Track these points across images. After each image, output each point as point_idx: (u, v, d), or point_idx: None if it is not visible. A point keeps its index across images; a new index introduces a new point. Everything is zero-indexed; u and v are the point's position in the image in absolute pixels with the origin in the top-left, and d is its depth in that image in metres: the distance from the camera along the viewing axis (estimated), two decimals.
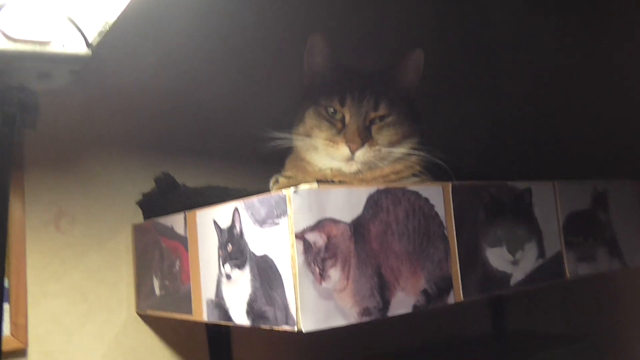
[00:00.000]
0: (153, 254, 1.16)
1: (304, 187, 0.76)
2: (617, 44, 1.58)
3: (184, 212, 1.02)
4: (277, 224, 0.77)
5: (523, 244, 1.01)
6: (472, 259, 0.93)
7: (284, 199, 0.76)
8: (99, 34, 0.81)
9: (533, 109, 1.76)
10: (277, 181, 0.88)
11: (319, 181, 0.83)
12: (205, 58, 1.39)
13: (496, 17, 1.85)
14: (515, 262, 0.99)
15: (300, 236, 0.75)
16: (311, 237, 0.75)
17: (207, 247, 0.95)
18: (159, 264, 1.12)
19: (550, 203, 1.08)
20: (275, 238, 0.77)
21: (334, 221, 0.78)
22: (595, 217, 1.17)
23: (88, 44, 0.79)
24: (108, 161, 1.26)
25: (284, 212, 0.76)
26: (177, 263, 1.05)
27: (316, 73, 1.05)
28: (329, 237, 0.77)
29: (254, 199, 0.82)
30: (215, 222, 0.92)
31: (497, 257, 0.97)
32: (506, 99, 1.84)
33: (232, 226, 0.87)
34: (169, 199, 1.17)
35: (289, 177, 0.89)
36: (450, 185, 0.92)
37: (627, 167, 1.51)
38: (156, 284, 1.13)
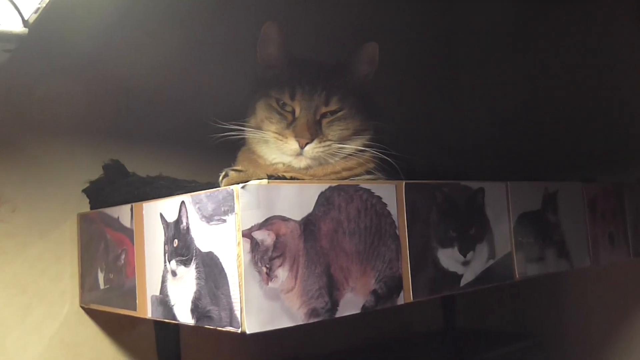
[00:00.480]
0: (98, 245, 1.11)
1: (253, 183, 0.74)
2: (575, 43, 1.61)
3: (131, 204, 0.99)
4: (224, 220, 0.74)
5: (474, 245, 1.01)
6: (423, 259, 0.93)
7: (231, 195, 0.73)
8: (36, 11, 0.76)
9: (492, 109, 1.77)
10: (226, 175, 0.86)
11: (270, 176, 0.81)
12: (157, 40, 1.34)
13: (460, 15, 1.85)
14: (466, 263, 0.99)
15: (247, 234, 0.72)
16: (259, 235, 0.73)
17: (153, 241, 0.92)
18: (104, 256, 1.08)
19: (502, 203, 1.09)
20: (221, 235, 0.75)
21: (284, 219, 0.76)
22: (545, 219, 1.18)
23: (24, 22, 0.74)
24: (53, 146, 1.21)
25: (231, 209, 0.73)
26: (123, 256, 1.01)
27: (268, 63, 1.02)
28: (277, 235, 0.75)
29: (202, 194, 0.79)
30: (161, 216, 0.89)
31: (448, 258, 0.97)
32: (467, 99, 1.85)
33: (179, 221, 0.84)
34: (117, 188, 1.12)
35: (239, 171, 0.86)
36: (403, 183, 0.92)
37: (578, 170, 1.54)
38: (101, 277, 1.09)
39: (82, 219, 1.19)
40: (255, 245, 0.73)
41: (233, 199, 0.73)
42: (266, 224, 0.74)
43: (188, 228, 0.82)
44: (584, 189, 1.29)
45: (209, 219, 0.78)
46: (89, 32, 1.25)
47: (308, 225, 0.79)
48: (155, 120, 1.34)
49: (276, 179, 0.80)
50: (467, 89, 1.84)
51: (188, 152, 1.38)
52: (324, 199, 0.81)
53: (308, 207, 0.79)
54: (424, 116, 1.75)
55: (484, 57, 1.80)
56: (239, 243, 0.72)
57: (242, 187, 0.73)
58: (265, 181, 0.75)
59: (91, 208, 1.20)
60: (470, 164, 1.72)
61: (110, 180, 1.18)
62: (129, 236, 0.99)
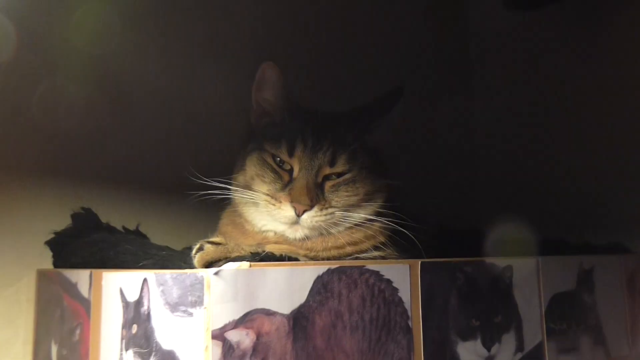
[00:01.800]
0: (54, 311, 0.95)
1: (229, 267, 0.58)
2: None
3: (91, 270, 0.82)
4: (190, 314, 0.58)
5: (500, 335, 0.84)
6: (440, 356, 0.75)
7: (200, 282, 0.57)
8: None
9: (513, 153, 1.60)
10: (201, 248, 0.69)
11: (254, 255, 0.64)
12: (138, 75, 1.19)
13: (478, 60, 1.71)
14: (490, 359, 0.82)
15: (219, 335, 0.56)
16: (234, 335, 0.57)
17: (111, 321, 0.75)
18: (59, 327, 0.91)
19: (532, 283, 0.92)
20: (186, 333, 0.58)
21: (268, 313, 0.60)
22: (581, 300, 1.01)
23: None
24: (13, 190, 1.05)
25: (199, 301, 0.57)
26: (78, 331, 0.84)
27: (265, 111, 0.86)
28: (259, 335, 0.58)
29: (167, 274, 0.63)
30: (121, 292, 0.72)
31: (469, 353, 0.80)
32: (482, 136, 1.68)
33: (140, 302, 0.68)
34: (82, 244, 0.96)
35: (217, 244, 0.69)
36: (419, 263, 0.75)
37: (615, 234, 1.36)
38: (54, 350, 0.92)
39: (42, 277, 1.02)
40: (229, 349, 0.56)
41: (202, 288, 0.57)
42: (245, 320, 0.58)
43: (149, 314, 0.66)
44: (622, 262, 1.12)
45: (173, 307, 0.61)
46: (60, 64, 1.11)
47: (299, 319, 0.62)
48: (134, 162, 1.18)
49: (261, 258, 0.64)
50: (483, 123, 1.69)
51: (171, 199, 1.22)
52: (320, 285, 0.65)
53: (300, 296, 0.63)
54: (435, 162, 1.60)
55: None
56: (206, 347, 0.55)
57: (216, 273, 0.57)
58: (246, 264, 0.59)
59: (54, 264, 1.03)
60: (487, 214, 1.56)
61: (77, 233, 1.02)
62: (85, 308, 0.82)
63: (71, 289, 0.88)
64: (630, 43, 1.35)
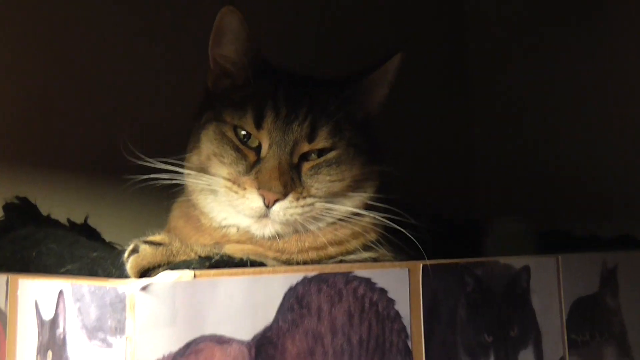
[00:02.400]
0: None
1: (164, 278, 0.42)
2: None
3: (7, 274, 0.65)
4: (110, 345, 0.41)
5: (517, 352, 0.69)
6: None
7: (122, 300, 0.41)
8: None
9: (520, 136, 1.46)
10: (135, 250, 0.52)
11: (203, 260, 0.48)
12: (80, 43, 1.02)
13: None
14: None
15: None
16: None
17: (26, 340, 0.58)
18: None
19: (552, 287, 0.77)
20: None
21: (220, 341, 0.44)
22: (604, 304, 0.86)
23: None
24: None
25: (120, 326, 0.41)
26: None
27: (225, 71, 0.68)
28: None
29: (84, 284, 0.47)
30: (36, 306, 0.56)
31: None
32: (480, 122, 1.54)
33: (55, 322, 0.51)
34: (8, 239, 0.79)
35: (156, 245, 0.52)
36: (420, 265, 0.59)
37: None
38: None
39: None
40: None
41: (124, 308, 0.41)
42: (187, 352, 0.42)
43: (64, 339, 0.49)
44: None
45: (90, 332, 0.45)
46: None
47: (264, 347, 0.46)
48: (82, 142, 1.01)
49: (213, 264, 0.47)
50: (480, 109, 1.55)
51: (124, 182, 1.05)
52: (294, 299, 0.49)
53: (266, 315, 0.47)
54: (433, 146, 1.44)
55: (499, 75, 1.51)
56: None
57: (143, 288, 0.40)
58: (188, 273, 0.43)
59: None
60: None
61: (9, 226, 0.85)
62: (2, 323, 0.66)
63: None
64: (633, 34, 1.26)
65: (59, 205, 0.93)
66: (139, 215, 1.07)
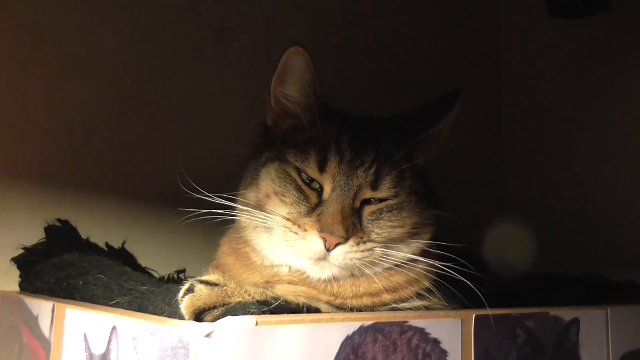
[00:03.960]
0: (13, 345, 0.78)
1: (227, 325, 0.41)
2: None
3: (54, 302, 0.65)
4: None
5: None
6: None
7: (185, 346, 0.40)
8: None
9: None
10: (190, 290, 0.51)
11: (261, 304, 0.47)
12: (133, 70, 1.03)
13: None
14: None
15: None
16: None
17: None
18: None
19: (600, 340, 0.75)
20: None
21: None
22: None
23: None
24: None
25: None
26: None
27: (286, 111, 0.68)
28: None
29: (141, 324, 0.46)
30: (85, 338, 0.56)
31: None
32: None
33: (106, 356, 0.51)
34: (52, 265, 0.80)
35: (212, 285, 0.52)
36: (473, 316, 0.58)
37: None
38: None
39: (4, 299, 0.85)
40: None
41: (188, 355, 0.40)
42: None
43: None
44: None
45: None
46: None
47: None
48: (123, 167, 1.02)
49: (271, 309, 0.47)
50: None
51: (165, 213, 1.05)
52: (350, 349, 0.48)
53: None
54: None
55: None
56: None
57: (207, 335, 0.40)
58: (251, 321, 0.42)
59: (20, 285, 0.87)
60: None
61: (50, 250, 0.86)
62: (45, 351, 0.66)
63: (31, 322, 0.72)
64: None
65: (98, 229, 0.94)
66: (173, 243, 1.08)
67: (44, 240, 0.89)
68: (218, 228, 0.78)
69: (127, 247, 0.94)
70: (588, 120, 1.37)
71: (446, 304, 0.61)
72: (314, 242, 0.59)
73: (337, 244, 0.58)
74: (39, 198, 0.95)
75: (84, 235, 0.90)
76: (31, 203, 0.94)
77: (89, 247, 0.89)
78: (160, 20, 1.07)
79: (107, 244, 0.93)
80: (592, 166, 1.35)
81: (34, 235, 0.89)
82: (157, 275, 0.93)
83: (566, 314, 0.70)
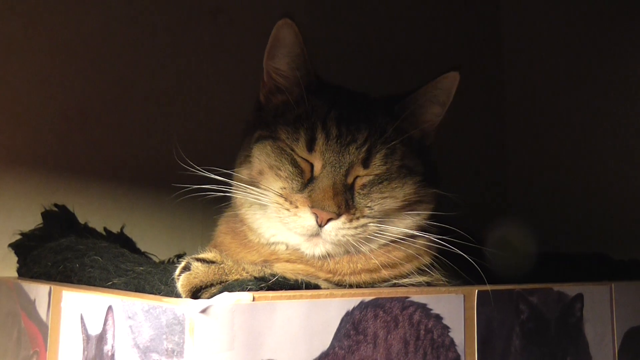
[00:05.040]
0: (12, 331, 0.77)
1: (224, 301, 0.40)
2: None
3: (50, 285, 0.65)
4: None
5: None
6: None
7: (181, 322, 0.39)
8: None
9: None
10: (187, 268, 0.50)
11: (258, 280, 0.46)
12: (126, 54, 1.02)
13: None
14: None
15: None
16: None
17: (71, 352, 0.57)
18: (16, 350, 0.74)
19: (605, 316, 0.74)
20: None
21: None
22: None
23: None
24: None
25: (178, 349, 0.39)
26: None
27: (278, 86, 0.67)
28: None
29: (137, 303, 0.45)
30: (82, 320, 0.55)
31: None
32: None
33: (102, 337, 0.50)
34: (49, 249, 0.79)
35: (209, 263, 0.51)
36: (475, 291, 0.57)
37: None
38: None
39: (1, 285, 0.85)
40: None
41: (183, 331, 0.39)
42: None
43: (113, 355, 0.48)
44: None
45: (144, 353, 0.43)
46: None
47: None
48: (120, 150, 1.01)
49: (269, 286, 0.46)
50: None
51: (163, 196, 1.04)
52: (350, 325, 0.47)
53: (323, 341, 0.45)
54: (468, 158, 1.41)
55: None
56: None
57: (203, 311, 0.39)
58: (247, 296, 0.41)
59: (18, 271, 0.86)
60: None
61: (48, 235, 0.85)
62: (43, 334, 0.65)
63: (29, 306, 0.71)
64: None
65: (96, 213, 0.94)
66: (173, 226, 1.07)
67: (41, 225, 0.88)
68: (217, 211, 0.77)
69: (126, 231, 0.93)
70: (589, 100, 1.36)
71: (448, 280, 0.60)
72: (305, 218, 0.58)
73: (328, 220, 0.58)
74: (35, 183, 0.93)
75: (81, 220, 0.89)
76: (27, 188, 0.93)
77: (87, 232, 0.88)
78: (155, 2, 1.05)
79: (105, 229, 0.92)
80: (595, 146, 1.34)
81: (31, 221, 0.87)
82: (156, 260, 0.92)
83: (570, 289, 0.69)
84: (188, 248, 0.98)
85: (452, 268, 0.60)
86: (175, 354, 0.39)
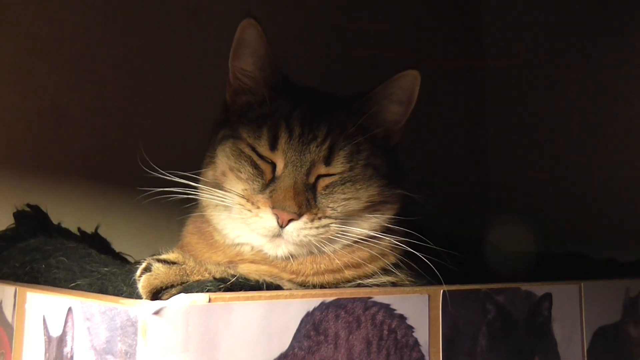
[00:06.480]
0: None
1: (178, 302, 0.40)
2: None
3: (16, 286, 0.64)
4: None
5: None
6: None
7: (134, 324, 0.39)
8: None
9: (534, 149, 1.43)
10: (148, 269, 0.49)
11: (217, 281, 0.46)
12: (101, 51, 1.01)
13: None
14: None
15: None
16: None
17: (34, 353, 0.57)
18: None
19: (573, 316, 0.75)
20: None
21: None
22: (626, 334, 0.83)
23: None
24: None
25: (131, 351, 0.39)
26: None
27: (243, 87, 0.66)
28: None
29: (94, 303, 0.45)
30: (44, 321, 0.54)
31: None
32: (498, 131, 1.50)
33: (63, 340, 0.50)
34: (18, 249, 0.78)
35: (170, 264, 0.51)
36: (441, 291, 0.57)
37: None
38: None
39: None
40: None
41: (136, 332, 0.39)
42: None
43: (72, 357, 0.47)
44: None
45: (99, 354, 0.43)
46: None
47: None
48: (96, 150, 1.00)
49: (228, 287, 0.45)
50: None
51: (138, 191, 1.04)
52: (310, 326, 0.47)
53: (281, 342, 0.45)
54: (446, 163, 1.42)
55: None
56: None
57: (156, 312, 0.39)
58: (204, 297, 0.41)
59: None
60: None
61: (18, 235, 0.84)
62: (9, 336, 0.64)
63: None
64: None
65: (70, 214, 0.93)
66: (150, 226, 1.06)
67: (13, 226, 0.87)
68: (189, 211, 0.77)
69: (102, 232, 0.93)
70: (570, 100, 1.37)
71: (414, 280, 0.60)
72: (266, 219, 0.58)
73: (290, 220, 0.57)
74: (7, 183, 0.92)
75: (56, 221, 0.88)
76: (2, 187, 0.92)
77: (60, 232, 0.87)
78: None
79: (79, 229, 0.91)
80: (577, 146, 1.35)
81: (3, 222, 0.87)
82: (132, 260, 0.91)
83: (538, 289, 0.70)
84: (165, 248, 0.98)
85: (418, 269, 0.60)
86: (128, 355, 0.39)
